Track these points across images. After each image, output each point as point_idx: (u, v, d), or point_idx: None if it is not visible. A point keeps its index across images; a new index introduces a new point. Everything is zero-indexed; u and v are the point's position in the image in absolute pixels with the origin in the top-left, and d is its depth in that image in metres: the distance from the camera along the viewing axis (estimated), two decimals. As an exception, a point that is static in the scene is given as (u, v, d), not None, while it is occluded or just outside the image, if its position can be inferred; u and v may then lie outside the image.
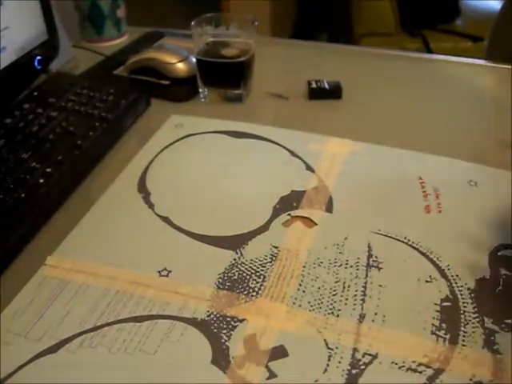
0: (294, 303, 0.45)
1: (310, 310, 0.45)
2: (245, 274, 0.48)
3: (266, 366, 0.40)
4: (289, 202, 0.57)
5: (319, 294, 0.46)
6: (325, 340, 0.42)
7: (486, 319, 0.44)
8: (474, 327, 0.43)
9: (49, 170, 0.58)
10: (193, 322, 0.44)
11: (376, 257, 0.50)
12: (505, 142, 0.65)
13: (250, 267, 0.49)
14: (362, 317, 0.44)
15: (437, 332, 0.43)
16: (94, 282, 0.47)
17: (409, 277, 0.48)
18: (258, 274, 0.48)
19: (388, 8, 2.05)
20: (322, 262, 0.49)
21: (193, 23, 0.73)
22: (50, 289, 0.47)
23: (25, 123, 0.65)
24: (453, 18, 2.13)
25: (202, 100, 0.77)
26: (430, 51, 1.95)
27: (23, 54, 0.69)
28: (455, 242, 0.51)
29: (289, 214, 0.55)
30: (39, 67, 0.72)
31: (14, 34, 0.67)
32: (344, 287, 0.47)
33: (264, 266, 0.49)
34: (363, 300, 0.46)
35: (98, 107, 0.70)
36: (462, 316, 0.44)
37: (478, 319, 0.44)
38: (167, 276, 0.48)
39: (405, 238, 0.52)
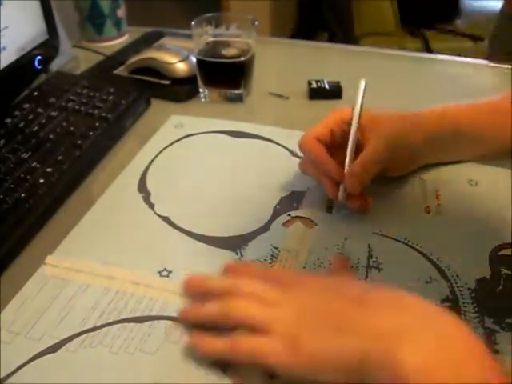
0: (294, 303, 0.45)
1: (310, 311, 0.44)
2: (245, 274, 0.48)
3: (266, 367, 0.40)
4: (289, 203, 0.57)
5: (319, 294, 0.46)
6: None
7: (486, 319, 0.44)
8: (474, 327, 0.43)
9: (49, 169, 0.58)
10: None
11: (376, 257, 0.50)
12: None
13: (250, 267, 0.49)
14: (362, 317, 0.44)
15: (437, 332, 0.43)
16: (94, 281, 0.47)
17: (409, 277, 0.48)
18: (258, 274, 0.48)
19: (388, 8, 2.06)
20: (322, 263, 0.49)
21: (193, 23, 0.73)
22: (50, 288, 0.47)
23: (25, 123, 0.65)
24: (453, 18, 2.13)
25: (202, 100, 0.77)
26: (430, 51, 1.95)
27: (23, 53, 0.69)
28: (455, 242, 0.51)
29: (289, 215, 0.55)
30: (39, 67, 0.72)
31: (14, 34, 0.67)
32: (344, 287, 0.47)
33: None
34: (363, 300, 0.46)
35: (98, 107, 0.70)
36: (463, 316, 0.44)
37: (478, 319, 0.44)
38: (167, 276, 0.48)
39: (405, 238, 0.52)
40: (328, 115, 0.57)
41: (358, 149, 0.53)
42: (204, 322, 0.41)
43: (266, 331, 0.38)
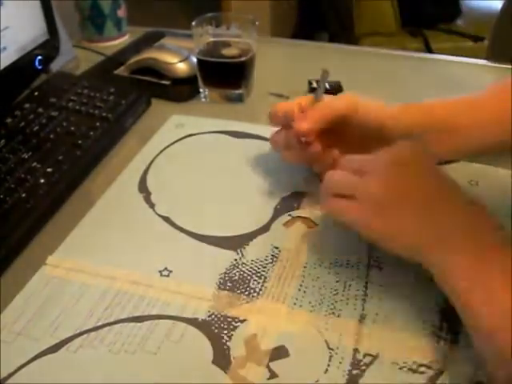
0: (294, 304, 0.45)
1: (311, 311, 0.45)
2: (246, 275, 0.48)
3: (267, 366, 0.40)
4: (290, 203, 0.56)
5: (320, 294, 0.46)
6: (326, 340, 0.42)
7: (486, 319, 0.43)
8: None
9: (49, 169, 0.58)
10: (193, 322, 0.44)
11: (377, 257, 0.50)
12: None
13: (251, 268, 0.49)
14: (362, 317, 0.44)
15: (438, 332, 0.43)
16: (94, 281, 0.47)
17: (409, 277, 0.47)
18: (258, 274, 0.48)
19: (389, 8, 2.05)
20: (322, 262, 0.49)
21: (193, 23, 0.73)
22: (51, 288, 0.47)
23: (25, 123, 0.65)
24: (454, 18, 2.13)
25: (203, 100, 0.77)
26: (430, 51, 1.95)
27: (24, 53, 0.69)
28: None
29: (290, 215, 0.55)
30: (40, 67, 0.72)
31: (14, 34, 0.67)
32: (345, 287, 0.47)
33: (265, 267, 0.49)
34: (364, 300, 0.46)
35: (98, 107, 0.70)
36: (463, 316, 0.44)
37: (478, 319, 0.44)
38: (168, 276, 0.48)
39: (405, 238, 0.51)
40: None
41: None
42: None
43: (355, 197, 0.44)
